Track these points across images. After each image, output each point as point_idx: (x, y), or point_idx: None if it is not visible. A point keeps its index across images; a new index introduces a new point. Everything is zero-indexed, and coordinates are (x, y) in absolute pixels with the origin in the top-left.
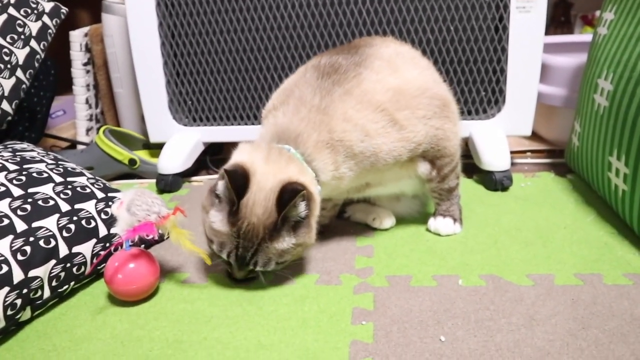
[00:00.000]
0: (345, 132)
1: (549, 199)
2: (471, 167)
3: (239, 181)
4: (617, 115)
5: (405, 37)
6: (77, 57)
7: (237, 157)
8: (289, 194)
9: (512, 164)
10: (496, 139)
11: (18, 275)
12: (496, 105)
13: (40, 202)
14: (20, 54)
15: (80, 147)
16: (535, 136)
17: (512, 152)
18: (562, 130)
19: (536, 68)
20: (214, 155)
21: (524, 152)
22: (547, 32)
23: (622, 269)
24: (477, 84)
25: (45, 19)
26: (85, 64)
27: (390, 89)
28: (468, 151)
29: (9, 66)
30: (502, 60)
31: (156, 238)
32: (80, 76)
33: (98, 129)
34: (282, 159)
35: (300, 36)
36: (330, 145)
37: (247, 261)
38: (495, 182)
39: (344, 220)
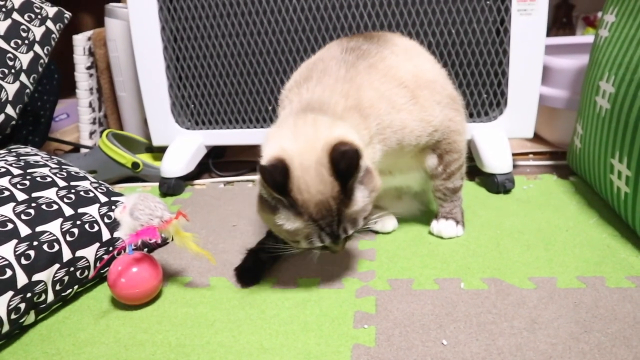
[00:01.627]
0: (373, 100)
1: (551, 202)
2: (473, 169)
3: (277, 177)
4: (618, 118)
5: None
6: (81, 60)
7: (266, 150)
8: (345, 160)
9: (514, 166)
10: (498, 141)
11: (22, 280)
12: (498, 108)
13: (44, 207)
14: (24, 59)
15: (83, 150)
16: (537, 138)
17: (514, 154)
18: (564, 132)
19: (538, 70)
20: (216, 159)
21: (526, 154)
22: (549, 33)
23: (625, 272)
24: (479, 86)
25: (49, 23)
26: (88, 68)
27: (409, 71)
28: (470, 154)
29: (13, 71)
30: (503, 63)
31: (159, 242)
32: (83, 80)
33: (101, 133)
34: (308, 126)
35: (302, 40)
36: (359, 111)
37: (337, 234)
38: (497, 185)
39: None
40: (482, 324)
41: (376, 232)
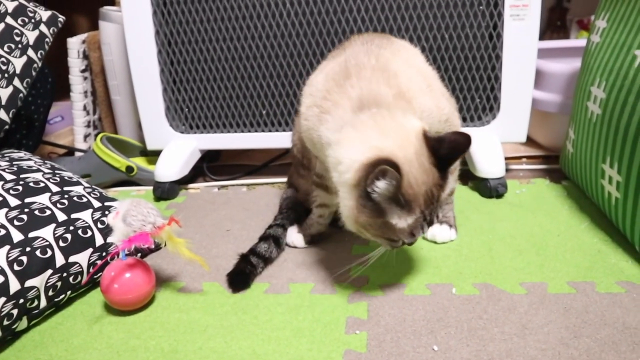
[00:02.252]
0: (409, 84)
1: (543, 206)
2: (466, 174)
3: (394, 176)
4: (609, 123)
5: None
6: (75, 64)
7: (358, 155)
8: (446, 145)
9: (507, 170)
10: (491, 146)
11: (14, 286)
12: (491, 112)
13: (36, 212)
14: (18, 63)
15: (77, 154)
16: (531, 142)
17: (507, 158)
18: (557, 136)
19: (530, 75)
20: (211, 162)
21: (520, 158)
22: (544, 36)
23: (615, 277)
24: (472, 91)
25: (43, 27)
26: (83, 71)
27: (421, 61)
28: (463, 158)
29: (6, 75)
30: (496, 68)
31: (152, 247)
32: (78, 83)
33: (96, 136)
34: (388, 122)
35: (296, 44)
36: (403, 96)
37: (432, 221)
38: (490, 189)
39: (339, 229)
40: (473, 330)
41: None
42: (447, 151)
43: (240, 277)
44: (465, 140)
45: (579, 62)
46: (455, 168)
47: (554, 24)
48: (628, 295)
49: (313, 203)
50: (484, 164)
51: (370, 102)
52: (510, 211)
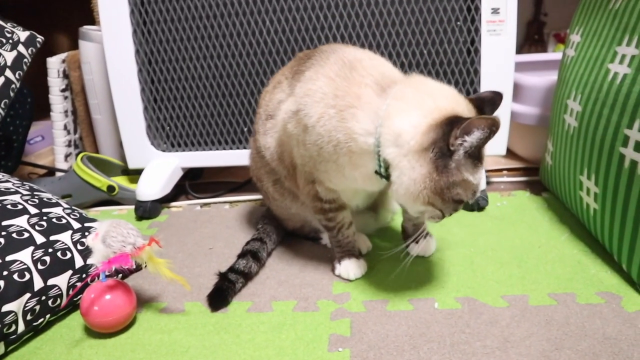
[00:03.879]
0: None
1: (524, 218)
2: None
3: (472, 125)
4: (585, 136)
5: None
6: (55, 83)
7: (425, 116)
8: (490, 103)
9: (489, 182)
10: None
11: None
12: None
13: (14, 235)
14: None
15: (58, 174)
16: (512, 154)
17: (488, 171)
18: (537, 148)
19: (508, 88)
20: (193, 180)
21: (501, 170)
22: (522, 50)
23: (595, 288)
24: None
25: (21, 48)
26: (63, 90)
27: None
28: None
29: None
30: (475, 82)
31: (133, 268)
32: (58, 102)
33: (77, 155)
34: (428, 87)
35: (276, 61)
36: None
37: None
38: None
39: (322, 247)
40: (455, 344)
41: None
42: (489, 107)
43: (218, 294)
44: (499, 97)
45: (557, 75)
46: None
47: (532, 37)
48: (607, 305)
49: (340, 228)
50: None
51: (389, 82)
52: (491, 224)
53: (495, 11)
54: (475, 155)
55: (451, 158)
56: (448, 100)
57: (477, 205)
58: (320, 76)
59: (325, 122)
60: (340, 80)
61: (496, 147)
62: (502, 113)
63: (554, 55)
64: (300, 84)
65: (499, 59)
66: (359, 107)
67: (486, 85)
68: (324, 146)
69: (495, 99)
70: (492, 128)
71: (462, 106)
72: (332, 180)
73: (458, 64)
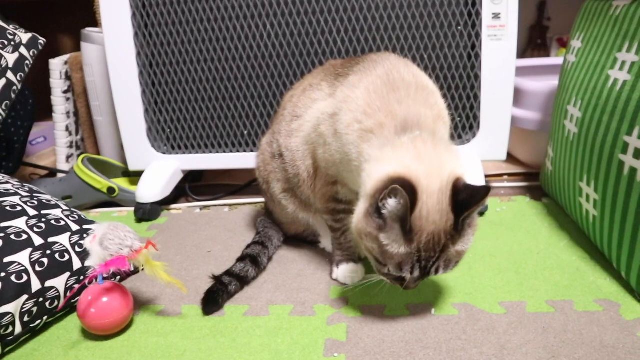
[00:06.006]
0: (441, 101)
1: (523, 224)
2: None
3: (411, 196)
4: (585, 142)
5: None
6: (57, 84)
7: (386, 169)
8: (469, 194)
9: None
10: (472, 164)
11: None
12: (471, 131)
13: (12, 237)
14: None
15: (59, 175)
16: (512, 159)
17: (489, 176)
18: (537, 153)
19: (509, 94)
20: (193, 183)
21: (501, 175)
22: (525, 54)
23: (594, 295)
24: (452, 110)
25: (23, 50)
26: (65, 92)
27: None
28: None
29: None
30: (475, 87)
31: (131, 270)
32: (60, 104)
33: (78, 156)
34: (429, 150)
35: (277, 65)
36: (442, 119)
37: (429, 271)
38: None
39: (319, 251)
40: (451, 351)
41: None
42: (465, 197)
43: (210, 297)
44: (484, 191)
45: (558, 80)
46: (474, 224)
47: (535, 42)
48: (605, 313)
49: (345, 231)
50: None
51: (414, 125)
52: (490, 229)
53: (496, 16)
54: (405, 228)
55: (379, 214)
56: (425, 168)
57: None
58: (361, 85)
59: (350, 132)
60: (376, 97)
61: (497, 152)
62: (503, 118)
63: (556, 59)
64: (342, 88)
65: (499, 64)
66: (377, 135)
67: (487, 90)
68: (347, 152)
69: (478, 191)
70: (401, 201)
71: (434, 182)
72: (356, 183)
73: (458, 69)
